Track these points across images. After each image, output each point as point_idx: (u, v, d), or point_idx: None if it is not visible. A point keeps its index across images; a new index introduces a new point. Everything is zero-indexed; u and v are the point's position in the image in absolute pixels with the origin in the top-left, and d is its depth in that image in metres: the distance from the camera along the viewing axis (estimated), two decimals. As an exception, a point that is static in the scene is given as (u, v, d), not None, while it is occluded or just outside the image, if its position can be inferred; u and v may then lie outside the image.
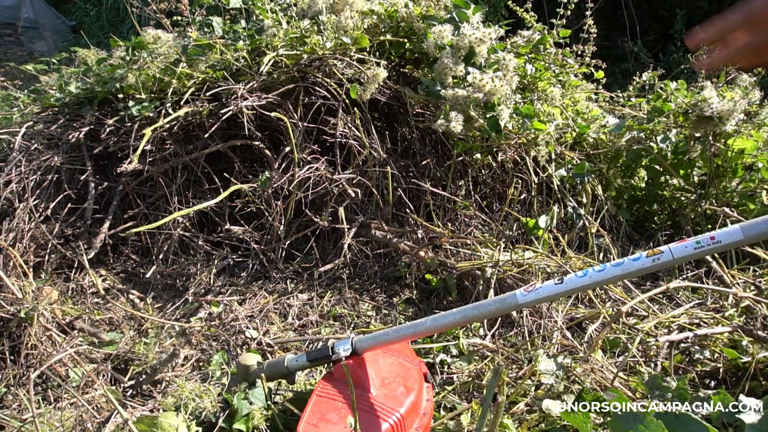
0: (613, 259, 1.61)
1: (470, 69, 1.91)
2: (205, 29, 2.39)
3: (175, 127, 2.09)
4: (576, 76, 2.69)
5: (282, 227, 2.05)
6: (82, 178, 2.11)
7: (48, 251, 1.92)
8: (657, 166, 2.26)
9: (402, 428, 1.07)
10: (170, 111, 2.03)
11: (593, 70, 2.66)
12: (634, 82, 2.81)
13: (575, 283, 1.01)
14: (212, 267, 1.98)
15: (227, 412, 1.23)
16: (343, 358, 1.14)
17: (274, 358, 1.32)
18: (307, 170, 2.03)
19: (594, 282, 1.00)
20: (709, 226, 2.12)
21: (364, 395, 1.12)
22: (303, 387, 1.39)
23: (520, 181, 2.18)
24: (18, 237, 1.88)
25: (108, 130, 2.09)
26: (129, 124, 2.11)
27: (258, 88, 2.08)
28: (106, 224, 2.04)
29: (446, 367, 1.47)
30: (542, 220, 1.99)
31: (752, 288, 1.62)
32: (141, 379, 1.46)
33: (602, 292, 1.74)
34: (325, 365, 1.37)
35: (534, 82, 2.43)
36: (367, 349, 1.17)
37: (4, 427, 1.26)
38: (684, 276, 1.93)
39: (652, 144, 2.21)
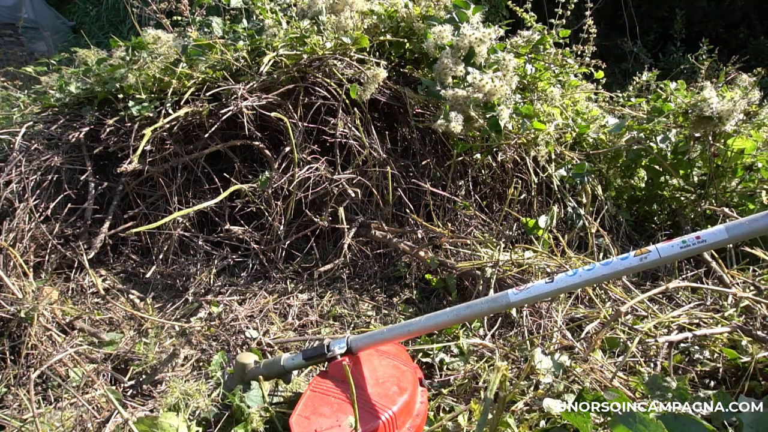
0: (613, 259, 1.61)
1: (470, 69, 1.91)
2: (205, 29, 2.39)
3: (175, 127, 2.09)
4: (576, 76, 2.69)
5: (282, 227, 2.05)
6: (82, 178, 2.11)
7: (48, 251, 1.92)
8: (657, 166, 2.26)
9: (393, 426, 1.08)
10: (170, 111, 2.03)
11: (593, 70, 2.66)
12: (634, 82, 2.81)
13: (565, 282, 1.03)
14: (212, 267, 1.98)
15: (227, 414, 1.23)
16: (338, 356, 1.16)
17: (271, 357, 1.32)
18: (307, 170, 2.03)
19: (584, 281, 1.02)
20: (709, 226, 2.11)
21: (358, 392, 1.13)
22: (303, 389, 1.39)
23: (520, 181, 2.18)
24: (18, 237, 1.88)
25: (108, 130, 2.09)
26: (129, 124, 2.11)
27: (258, 88, 2.08)
28: (106, 224, 2.04)
29: (445, 367, 1.47)
30: (542, 220, 1.99)
31: (752, 288, 1.61)
32: (141, 379, 1.46)
33: (602, 291, 1.74)
34: (324, 365, 1.37)
35: (534, 82, 2.43)
36: (362, 347, 1.18)
37: (4, 427, 1.26)
38: (684, 276, 1.93)
39: (651, 144, 2.21)
